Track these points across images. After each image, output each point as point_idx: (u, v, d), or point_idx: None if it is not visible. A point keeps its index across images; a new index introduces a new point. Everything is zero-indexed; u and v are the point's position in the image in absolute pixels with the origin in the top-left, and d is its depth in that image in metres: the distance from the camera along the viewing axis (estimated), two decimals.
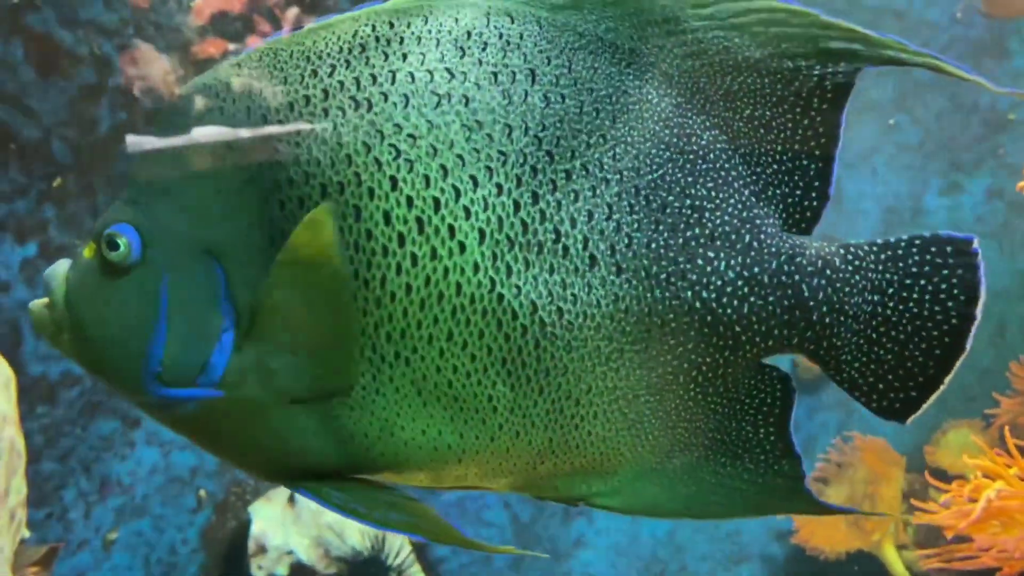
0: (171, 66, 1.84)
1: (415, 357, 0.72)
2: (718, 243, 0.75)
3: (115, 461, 1.89)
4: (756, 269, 0.76)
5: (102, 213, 0.79)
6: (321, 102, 0.72)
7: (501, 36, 0.74)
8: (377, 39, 0.73)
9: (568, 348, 0.73)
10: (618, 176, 0.74)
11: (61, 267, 0.75)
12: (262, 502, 2.03)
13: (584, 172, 0.73)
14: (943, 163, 2.64)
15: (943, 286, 0.77)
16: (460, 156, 0.72)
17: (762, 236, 0.76)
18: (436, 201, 0.71)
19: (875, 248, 0.78)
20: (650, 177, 0.74)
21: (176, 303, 0.72)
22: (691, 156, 0.75)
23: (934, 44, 2.57)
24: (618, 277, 0.74)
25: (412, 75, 0.72)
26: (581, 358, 0.74)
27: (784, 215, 0.78)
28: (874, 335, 0.78)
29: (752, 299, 0.76)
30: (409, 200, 0.71)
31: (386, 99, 0.72)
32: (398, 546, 2.07)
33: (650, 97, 0.75)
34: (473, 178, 0.72)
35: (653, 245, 0.74)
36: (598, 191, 0.73)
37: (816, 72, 0.75)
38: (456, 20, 0.74)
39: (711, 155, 0.76)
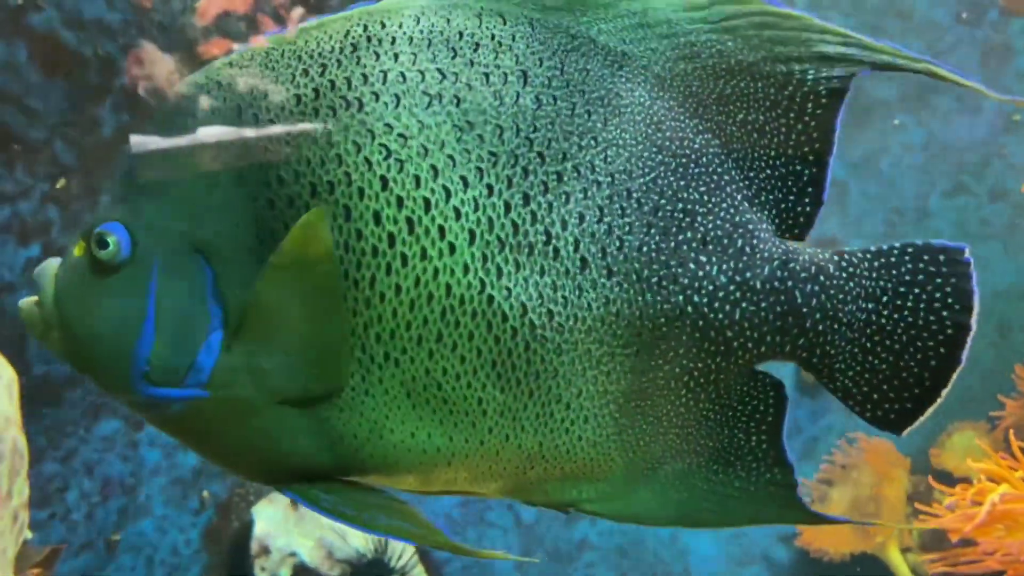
0: (176, 66, 1.84)
1: (404, 359, 0.72)
2: (710, 247, 0.75)
3: (118, 462, 1.89)
4: (748, 274, 0.75)
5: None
6: (312, 101, 0.72)
7: (493, 37, 0.74)
8: (369, 39, 0.73)
9: (558, 351, 0.73)
10: (610, 179, 0.73)
11: (51, 265, 0.75)
12: (265, 503, 2.03)
13: (576, 174, 0.73)
14: (948, 164, 2.63)
15: (937, 295, 0.76)
16: (451, 157, 0.71)
17: (755, 241, 0.76)
18: (426, 201, 0.71)
19: (868, 255, 0.78)
20: (642, 180, 0.74)
21: (164, 302, 0.71)
22: (684, 160, 0.75)
23: (940, 44, 2.56)
24: (609, 280, 0.73)
25: (403, 75, 0.72)
26: (571, 361, 0.73)
27: (777, 220, 0.77)
28: (868, 344, 0.77)
29: (744, 304, 0.75)
30: (399, 200, 0.71)
31: (377, 99, 0.72)
32: (401, 548, 2.07)
33: (642, 100, 0.75)
34: (464, 179, 0.71)
35: (645, 248, 0.74)
36: (589, 193, 0.73)
37: (810, 77, 0.75)
38: (448, 21, 0.74)
39: (704, 159, 0.75)
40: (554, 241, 0.72)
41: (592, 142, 0.73)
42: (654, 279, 0.74)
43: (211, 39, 1.89)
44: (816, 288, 0.76)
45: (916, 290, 0.76)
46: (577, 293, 0.73)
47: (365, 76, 0.72)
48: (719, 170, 0.76)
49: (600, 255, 0.73)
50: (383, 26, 0.73)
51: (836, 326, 0.76)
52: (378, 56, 0.72)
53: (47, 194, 1.78)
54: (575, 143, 0.73)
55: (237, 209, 0.71)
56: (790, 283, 0.76)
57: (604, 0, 0.75)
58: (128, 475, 1.91)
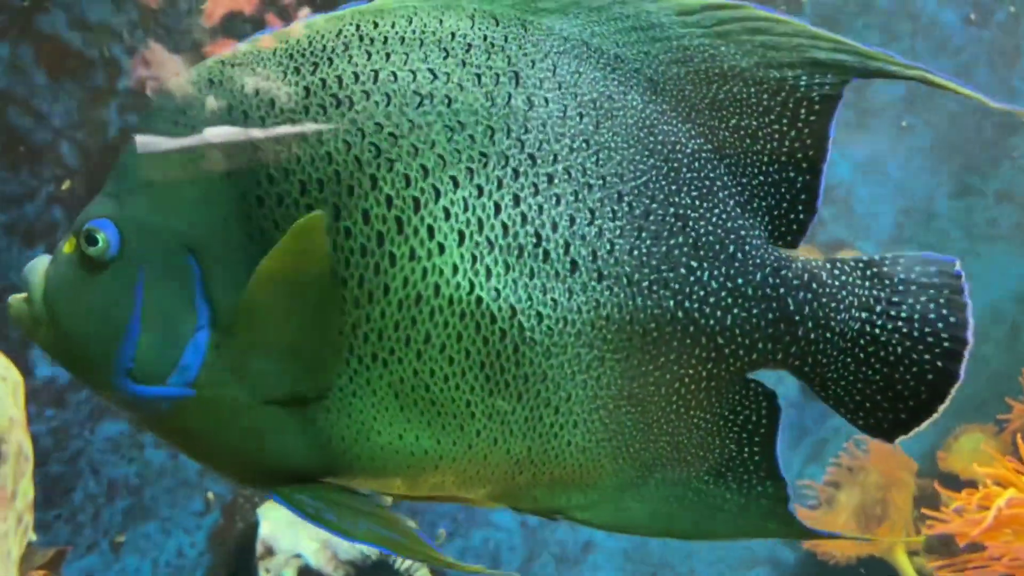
0: (183, 67, 1.84)
1: (392, 359, 0.71)
2: (702, 253, 0.74)
3: (123, 463, 1.90)
4: (740, 280, 0.75)
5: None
6: (302, 99, 0.71)
7: (486, 38, 0.74)
8: (361, 38, 0.73)
9: (547, 354, 0.73)
10: (601, 181, 0.73)
11: (41, 262, 0.75)
12: (270, 505, 2.03)
13: (566, 176, 0.73)
14: (955, 166, 2.62)
15: (931, 306, 0.76)
16: (441, 156, 0.71)
17: (747, 247, 0.75)
18: (416, 201, 0.71)
19: (861, 264, 0.77)
20: (633, 184, 0.74)
21: (151, 299, 0.71)
22: (676, 164, 0.75)
23: (948, 46, 2.55)
24: (599, 283, 0.73)
25: (395, 74, 0.72)
26: (561, 365, 0.73)
27: (770, 227, 0.77)
28: (861, 354, 0.76)
29: (736, 311, 0.75)
30: (388, 199, 0.71)
31: (368, 97, 0.71)
32: None
33: (635, 103, 0.75)
34: (454, 179, 0.71)
35: (635, 252, 0.73)
36: (580, 196, 0.73)
37: (803, 82, 0.75)
38: (440, 21, 0.74)
39: (696, 164, 0.75)
40: (544, 243, 0.72)
41: (584, 145, 0.73)
42: (645, 283, 0.73)
43: (217, 40, 1.89)
44: (808, 296, 0.76)
45: (910, 300, 0.76)
46: (567, 296, 0.72)
47: (356, 75, 0.72)
48: (711, 175, 0.75)
49: (590, 258, 0.73)
50: (375, 26, 0.73)
51: (828, 335, 0.76)
52: (369, 55, 0.72)
53: (52, 196, 1.78)
54: (566, 145, 0.73)
55: (226, 207, 0.71)
56: (782, 290, 0.75)
57: (597, 3, 0.75)
58: (133, 476, 1.91)
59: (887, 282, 0.77)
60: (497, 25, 0.74)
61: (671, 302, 0.74)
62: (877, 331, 0.76)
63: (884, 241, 2.58)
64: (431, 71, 0.72)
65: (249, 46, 0.74)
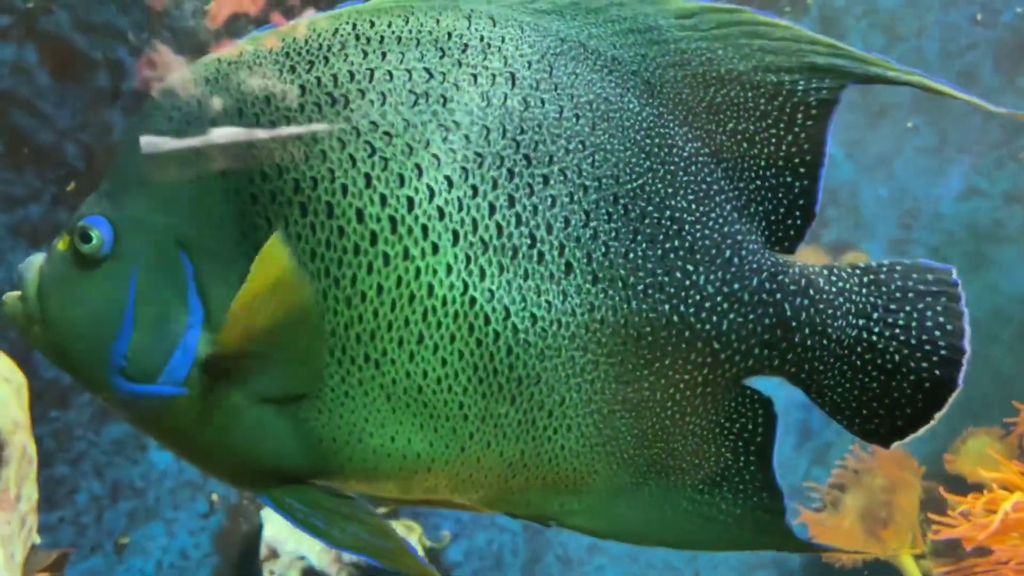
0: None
1: (385, 360, 0.71)
2: (698, 256, 0.74)
3: (127, 465, 1.90)
4: (736, 285, 0.74)
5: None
6: (298, 97, 0.71)
7: (482, 39, 0.73)
8: (357, 37, 0.73)
9: (541, 357, 0.72)
10: (596, 183, 0.73)
11: (36, 259, 0.75)
12: None
13: (562, 177, 0.72)
14: (962, 166, 2.61)
15: (928, 314, 0.75)
16: (436, 156, 0.71)
17: (743, 252, 0.75)
18: (410, 200, 0.70)
19: (858, 271, 0.77)
20: (629, 186, 0.73)
21: (144, 297, 0.71)
22: (672, 167, 0.74)
23: (954, 46, 2.54)
24: (594, 286, 0.72)
25: (390, 73, 0.72)
26: (555, 368, 0.72)
27: (767, 232, 0.76)
28: (858, 361, 0.76)
29: (732, 316, 0.74)
30: (383, 198, 0.70)
31: (363, 96, 0.71)
32: None
33: (631, 106, 0.74)
34: (448, 179, 0.71)
35: (631, 255, 0.73)
36: (576, 197, 0.72)
37: (800, 87, 0.74)
38: (437, 21, 0.74)
39: (693, 167, 0.75)
40: (539, 244, 0.71)
41: (579, 146, 0.73)
42: (640, 286, 0.73)
43: (222, 42, 1.89)
44: (805, 302, 0.75)
45: (907, 308, 0.76)
46: (561, 298, 0.72)
47: (352, 73, 0.72)
48: (708, 179, 0.75)
49: (585, 260, 0.72)
50: (372, 25, 0.73)
51: (825, 341, 0.75)
52: (366, 54, 0.72)
53: (57, 197, 1.79)
54: (562, 146, 0.73)
55: (220, 204, 0.71)
56: (779, 296, 0.75)
57: (595, 5, 0.75)
58: (138, 478, 1.91)
59: (884, 289, 0.76)
60: (494, 26, 0.74)
61: (666, 306, 0.73)
62: (874, 338, 0.76)
63: (890, 242, 2.57)
64: (427, 70, 0.72)
65: (246, 44, 0.74)
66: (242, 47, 0.73)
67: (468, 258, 0.71)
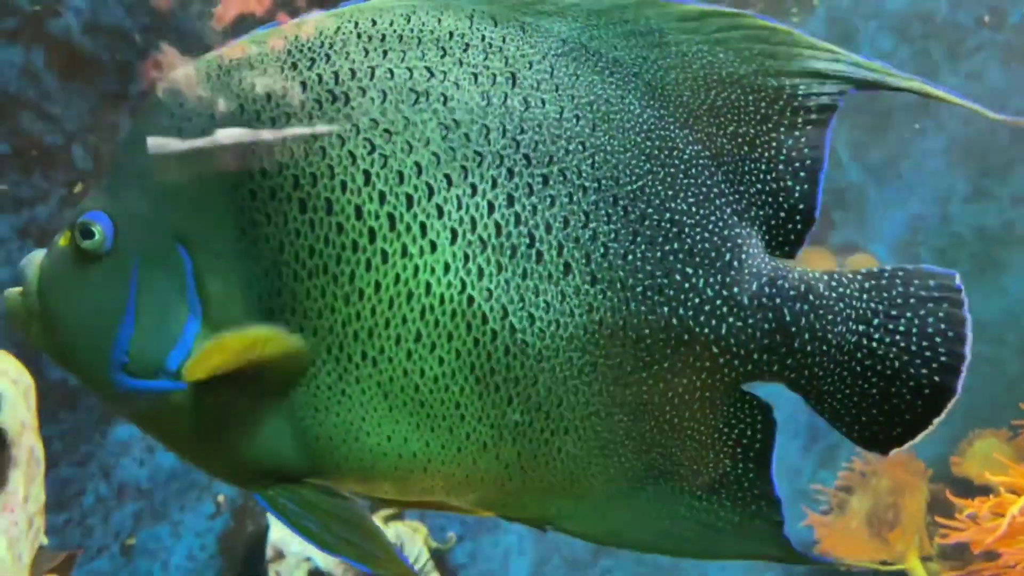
0: None
1: (382, 358, 0.71)
2: (697, 259, 0.74)
3: (134, 466, 1.90)
4: (736, 289, 0.74)
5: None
6: (298, 94, 0.71)
7: (483, 38, 0.73)
8: (359, 35, 0.73)
9: (539, 357, 0.72)
10: (596, 184, 0.72)
11: (37, 256, 0.75)
12: None
13: (562, 178, 0.72)
14: (970, 169, 2.61)
15: (930, 319, 0.75)
16: (435, 154, 0.71)
17: (743, 256, 0.74)
18: (409, 198, 0.70)
19: (859, 277, 0.76)
20: (629, 188, 0.73)
21: (144, 292, 0.71)
22: (672, 169, 0.74)
23: (962, 47, 2.54)
24: (593, 287, 0.72)
25: (391, 71, 0.72)
26: (552, 369, 0.72)
27: (767, 237, 0.76)
28: (859, 367, 0.75)
29: (731, 320, 0.74)
30: (382, 196, 0.70)
31: (364, 94, 0.71)
32: (416, 552, 2.07)
33: (632, 107, 0.74)
34: (447, 177, 0.71)
35: (630, 257, 0.73)
36: (575, 198, 0.72)
37: (800, 91, 0.74)
38: (439, 20, 0.74)
39: (693, 170, 0.74)
40: (537, 244, 0.71)
41: (579, 147, 0.73)
42: (639, 288, 0.73)
43: (229, 43, 1.89)
44: (805, 307, 0.75)
45: (908, 314, 0.75)
46: (559, 299, 0.72)
47: (353, 71, 0.72)
48: (708, 182, 0.75)
49: (584, 261, 0.72)
50: (374, 23, 0.73)
51: (825, 347, 0.75)
52: (367, 52, 0.72)
53: (65, 199, 1.79)
54: (562, 147, 0.72)
55: (219, 200, 0.71)
56: (778, 300, 0.74)
57: (597, 7, 0.75)
58: (144, 479, 1.91)
59: (885, 295, 0.76)
60: (496, 25, 0.74)
61: (665, 309, 0.73)
62: (874, 344, 0.75)
63: (898, 245, 2.56)
64: (428, 69, 0.72)
65: (247, 41, 0.74)
66: (244, 44, 0.74)
67: (466, 256, 0.71)
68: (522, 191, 0.72)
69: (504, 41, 0.74)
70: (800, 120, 0.75)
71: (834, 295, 0.75)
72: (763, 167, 0.75)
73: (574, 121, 0.73)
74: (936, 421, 0.75)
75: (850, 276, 0.76)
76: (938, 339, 0.75)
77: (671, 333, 0.73)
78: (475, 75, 0.72)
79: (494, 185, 0.71)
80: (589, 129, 0.73)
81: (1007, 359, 2.51)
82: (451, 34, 0.73)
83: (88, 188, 1.81)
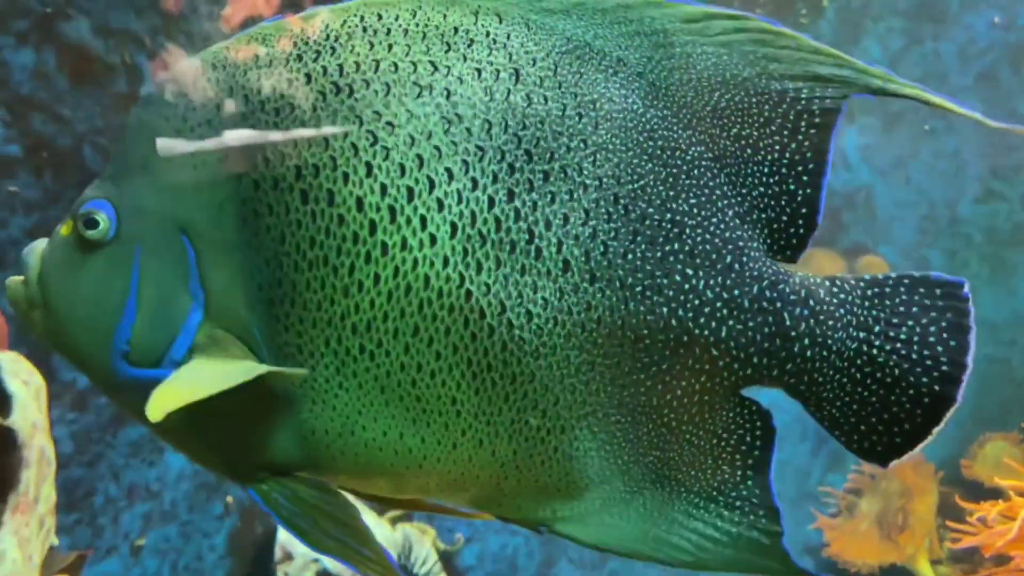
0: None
1: (380, 352, 0.71)
2: (698, 261, 0.73)
3: (144, 467, 1.91)
4: (736, 292, 0.74)
5: None
6: (302, 85, 0.72)
7: (488, 34, 0.73)
8: (364, 29, 0.73)
9: (536, 355, 0.72)
10: (597, 182, 0.72)
11: (39, 245, 0.75)
12: None
13: (563, 175, 0.72)
14: (980, 169, 2.60)
15: (932, 328, 0.74)
16: (437, 148, 0.71)
17: (744, 259, 0.74)
18: (410, 191, 0.70)
19: (862, 283, 0.76)
20: (630, 187, 0.73)
21: (147, 281, 0.71)
22: (674, 170, 0.74)
23: (972, 49, 2.53)
24: (591, 285, 0.72)
25: (396, 65, 0.72)
26: (549, 367, 0.72)
27: (769, 241, 0.76)
28: (858, 374, 0.75)
29: (731, 322, 0.73)
30: (383, 188, 0.70)
31: (368, 86, 0.71)
32: (424, 554, 2.07)
33: (635, 107, 0.74)
34: (449, 171, 0.71)
35: (630, 256, 0.72)
36: (575, 195, 0.72)
37: (804, 95, 0.74)
38: (444, 16, 0.74)
39: (695, 171, 0.74)
40: (537, 240, 0.71)
41: (581, 144, 0.73)
42: (638, 288, 0.72)
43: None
44: (806, 312, 0.74)
45: (910, 322, 0.75)
46: (558, 296, 0.71)
47: (357, 64, 0.72)
48: (711, 184, 0.74)
49: (583, 258, 0.72)
50: (379, 17, 0.74)
51: (825, 353, 0.74)
52: (372, 45, 0.72)
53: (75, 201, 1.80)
54: (564, 144, 0.72)
55: (221, 190, 0.71)
56: (779, 304, 0.74)
57: (602, 6, 0.75)
58: (153, 480, 1.92)
59: (888, 303, 0.75)
60: (500, 22, 0.74)
61: (664, 309, 0.73)
62: (874, 351, 0.75)
63: (907, 246, 2.55)
64: (432, 63, 0.72)
65: (254, 33, 0.74)
66: (249, 37, 0.74)
67: (465, 250, 0.70)
68: (523, 187, 0.71)
69: (508, 37, 0.74)
70: (803, 124, 0.75)
71: (835, 301, 0.75)
72: (766, 170, 0.75)
73: (576, 119, 0.73)
74: (935, 431, 0.75)
75: (852, 282, 0.76)
76: (940, 348, 0.74)
77: (670, 334, 0.73)
78: (479, 70, 0.72)
79: (495, 180, 0.71)
80: (591, 127, 0.73)
81: (1017, 361, 2.50)
82: (456, 29, 0.73)
83: None
